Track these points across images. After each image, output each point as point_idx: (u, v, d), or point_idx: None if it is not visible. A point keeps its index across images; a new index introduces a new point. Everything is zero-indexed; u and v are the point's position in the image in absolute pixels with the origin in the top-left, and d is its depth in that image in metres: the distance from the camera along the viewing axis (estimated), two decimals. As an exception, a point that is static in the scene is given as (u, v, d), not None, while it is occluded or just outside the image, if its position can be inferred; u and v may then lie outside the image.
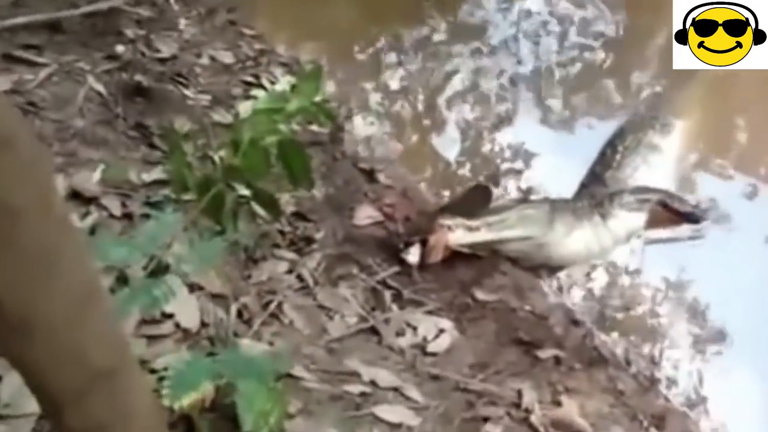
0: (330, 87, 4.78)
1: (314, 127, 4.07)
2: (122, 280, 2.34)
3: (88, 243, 2.46)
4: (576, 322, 3.57)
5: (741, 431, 3.40)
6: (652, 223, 4.15)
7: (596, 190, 4.19)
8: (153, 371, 2.36)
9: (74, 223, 2.93)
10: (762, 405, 3.46)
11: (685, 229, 4.18)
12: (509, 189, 4.40)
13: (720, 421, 3.41)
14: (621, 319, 3.77)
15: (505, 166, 4.57)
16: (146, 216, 2.86)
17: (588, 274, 3.95)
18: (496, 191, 4.21)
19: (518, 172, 4.52)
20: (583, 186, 4.31)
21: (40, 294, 1.33)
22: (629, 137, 4.48)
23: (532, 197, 4.24)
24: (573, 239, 3.90)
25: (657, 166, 4.42)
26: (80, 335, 1.47)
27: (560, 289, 3.84)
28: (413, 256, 3.46)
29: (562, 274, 3.91)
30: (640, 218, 4.12)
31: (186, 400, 1.97)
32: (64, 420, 1.59)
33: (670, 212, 4.19)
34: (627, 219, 4.07)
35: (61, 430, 1.66)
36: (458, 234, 3.59)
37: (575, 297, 3.84)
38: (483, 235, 3.65)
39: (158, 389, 2.01)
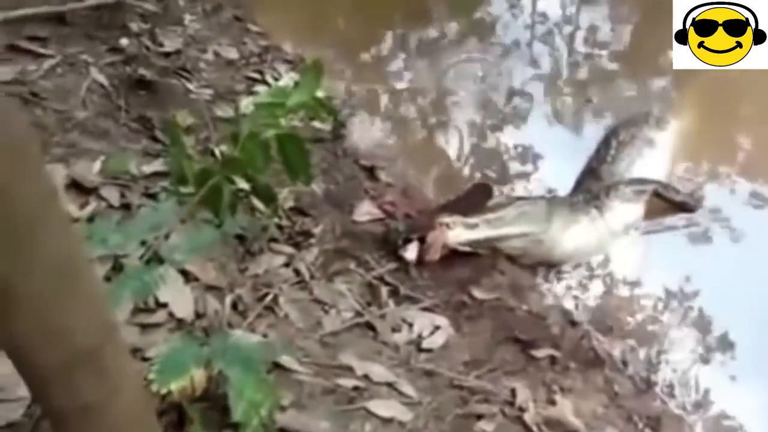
0: (336, 85, 4.78)
1: (317, 124, 4.09)
2: (117, 268, 2.34)
3: (86, 230, 2.47)
4: (573, 323, 3.56)
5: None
6: (648, 215, 4.17)
7: (592, 185, 4.20)
8: (145, 359, 2.37)
9: (70, 209, 2.95)
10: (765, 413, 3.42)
11: (680, 218, 4.18)
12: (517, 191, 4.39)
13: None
14: (620, 324, 3.74)
15: (513, 168, 4.55)
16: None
17: (585, 283, 3.93)
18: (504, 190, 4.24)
19: (527, 175, 4.51)
20: (579, 182, 4.32)
21: (22, 266, 1.33)
22: (623, 132, 4.49)
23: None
24: (571, 234, 3.90)
25: (652, 160, 4.42)
26: (63, 310, 1.47)
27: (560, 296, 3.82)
28: (411, 253, 3.47)
29: (560, 284, 3.90)
30: (636, 210, 4.13)
31: (174, 385, 1.96)
32: (51, 400, 1.60)
33: (665, 202, 4.21)
34: (623, 211, 4.08)
35: (50, 411, 1.66)
36: (457, 231, 3.60)
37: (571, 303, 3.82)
38: (481, 233, 3.66)
39: (147, 376, 2.01)
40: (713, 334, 3.74)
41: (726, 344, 3.70)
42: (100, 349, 1.57)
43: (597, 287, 3.90)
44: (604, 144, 4.47)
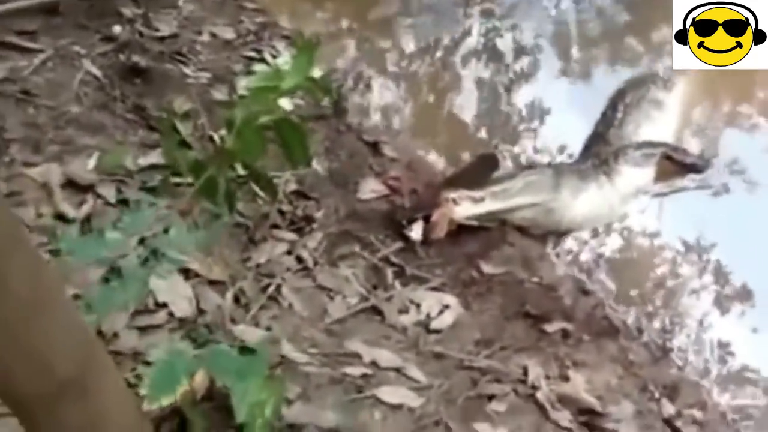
0: (337, 56, 4.70)
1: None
2: (115, 270, 2.30)
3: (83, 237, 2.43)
4: (586, 292, 3.51)
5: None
6: (657, 177, 4.11)
7: (600, 150, 4.12)
8: (147, 363, 2.34)
9: (66, 209, 2.92)
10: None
11: (691, 179, 4.13)
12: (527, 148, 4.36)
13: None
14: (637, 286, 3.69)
15: (522, 126, 4.48)
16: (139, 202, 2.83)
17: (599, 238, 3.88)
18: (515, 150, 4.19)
19: (534, 131, 4.45)
20: (587, 147, 4.24)
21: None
22: (630, 94, 4.40)
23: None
24: (580, 201, 3.84)
25: (660, 122, 4.34)
26: (39, 340, 1.45)
27: (575, 260, 3.76)
28: (416, 233, 3.41)
29: (573, 241, 3.85)
30: (646, 174, 4.06)
31: (166, 401, 1.93)
32: (38, 428, 1.58)
33: (675, 164, 4.14)
34: (633, 175, 4.01)
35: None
36: (464, 206, 3.54)
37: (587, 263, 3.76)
38: (489, 205, 3.60)
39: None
40: (733, 288, 3.73)
41: (747, 296, 3.69)
42: (81, 376, 1.55)
43: (615, 241, 3.89)
44: (611, 107, 4.37)
